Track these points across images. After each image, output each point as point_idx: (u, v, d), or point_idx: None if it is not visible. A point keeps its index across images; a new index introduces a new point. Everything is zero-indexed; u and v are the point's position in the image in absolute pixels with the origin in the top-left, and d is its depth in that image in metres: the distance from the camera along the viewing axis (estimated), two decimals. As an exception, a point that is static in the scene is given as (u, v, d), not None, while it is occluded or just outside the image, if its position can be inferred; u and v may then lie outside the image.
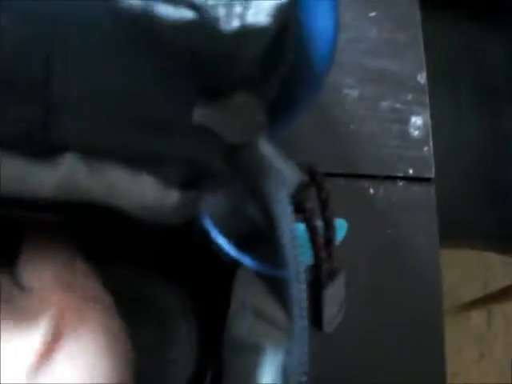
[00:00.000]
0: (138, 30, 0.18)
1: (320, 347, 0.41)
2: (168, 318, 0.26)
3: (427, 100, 0.48)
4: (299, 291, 0.19)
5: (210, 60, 0.19)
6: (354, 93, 0.46)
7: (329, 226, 0.23)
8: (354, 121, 0.46)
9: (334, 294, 0.25)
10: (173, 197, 0.20)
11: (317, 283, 0.23)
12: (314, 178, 0.23)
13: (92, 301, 0.22)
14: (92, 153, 0.20)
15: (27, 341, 0.20)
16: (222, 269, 0.24)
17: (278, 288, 0.21)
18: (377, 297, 0.45)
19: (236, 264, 0.23)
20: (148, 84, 0.19)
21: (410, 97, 0.48)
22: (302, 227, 0.22)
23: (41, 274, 0.23)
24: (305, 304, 0.19)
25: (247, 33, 0.18)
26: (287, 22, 0.20)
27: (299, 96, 0.22)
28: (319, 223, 0.23)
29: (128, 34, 0.18)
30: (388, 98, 0.47)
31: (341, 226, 0.41)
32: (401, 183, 0.46)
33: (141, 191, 0.20)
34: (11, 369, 0.19)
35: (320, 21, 0.25)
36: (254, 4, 0.19)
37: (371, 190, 0.46)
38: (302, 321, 0.19)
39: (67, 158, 0.20)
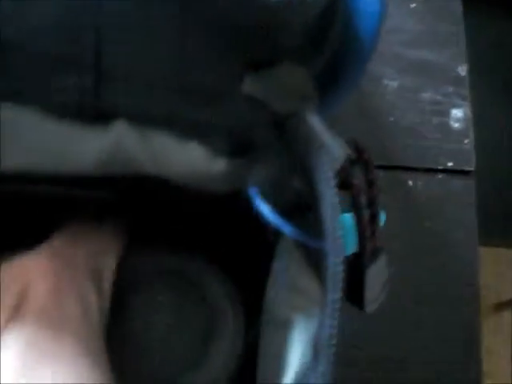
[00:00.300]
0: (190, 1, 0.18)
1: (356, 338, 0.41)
2: (216, 308, 0.26)
3: (468, 93, 0.47)
4: (335, 264, 0.19)
5: (260, 30, 0.18)
6: (394, 83, 0.46)
7: (373, 204, 0.23)
8: (394, 112, 0.45)
9: (377, 275, 0.24)
10: (220, 165, 0.20)
11: (360, 262, 0.23)
12: (361, 156, 0.22)
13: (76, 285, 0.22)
14: (141, 120, 0.20)
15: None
16: (265, 246, 0.24)
17: (315, 260, 0.21)
18: (412, 291, 0.45)
19: (277, 237, 0.23)
20: (197, 53, 0.19)
21: (450, 89, 0.47)
22: (348, 216, 0.22)
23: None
24: (340, 277, 0.19)
25: (297, 3, 0.18)
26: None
27: (347, 70, 0.22)
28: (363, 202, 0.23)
29: (179, 2, 0.18)
30: (428, 90, 0.47)
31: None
32: (440, 176, 0.46)
33: (188, 158, 0.20)
34: None
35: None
36: None
37: (410, 182, 0.45)
38: (335, 293, 0.19)
39: (116, 124, 0.20)
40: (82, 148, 0.20)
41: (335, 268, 0.18)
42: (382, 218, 0.40)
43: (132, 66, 0.19)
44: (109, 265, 0.24)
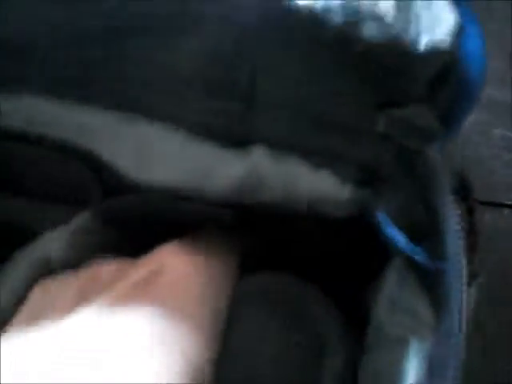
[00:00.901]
0: (339, 43, 0.20)
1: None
2: (320, 330, 0.27)
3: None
4: (458, 290, 0.21)
5: (395, 74, 0.21)
6: (469, 118, 0.48)
7: (474, 231, 0.25)
8: (467, 146, 0.47)
9: (470, 298, 0.26)
10: (346, 192, 0.23)
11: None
12: (465, 185, 0.25)
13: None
14: (278, 146, 0.22)
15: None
16: (369, 269, 0.26)
17: (429, 283, 0.23)
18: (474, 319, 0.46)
19: (386, 261, 0.25)
20: (337, 89, 0.21)
21: (521, 126, 0.48)
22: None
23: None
24: (462, 304, 0.21)
25: (430, 54, 0.20)
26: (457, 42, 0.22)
27: (458, 111, 0.24)
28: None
29: (325, 41, 0.20)
30: (499, 126, 0.48)
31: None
32: (506, 211, 0.47)
33: (318, 186, 0.22)
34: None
35: (471, 42, 0.27)
36: (437, 25, 0.21)
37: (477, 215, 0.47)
38: (454, 317, 0.21)
39: (255, 149, 0.22)
40: (224, 171, 0.23)
41: (458, 294, 0.20)
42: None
43: (282, 97, 0.21)
44: (227, 280, 0.26)
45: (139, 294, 0.22)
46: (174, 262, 0.24)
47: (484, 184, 0.47)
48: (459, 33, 0.22)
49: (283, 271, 0.29)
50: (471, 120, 0.48)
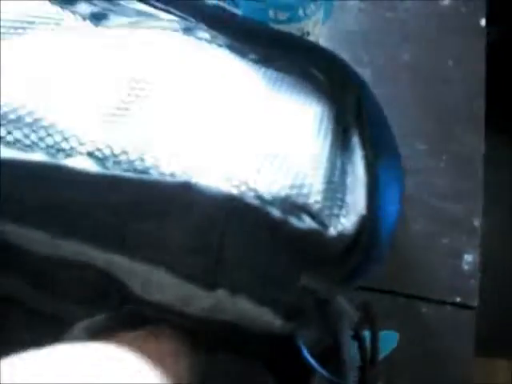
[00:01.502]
0: (274, 229, 0.31)
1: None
2: None
3: (478, 242, 0.59)
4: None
5: (314, 250, 0.32)
6: (418, 226, 0.59)
7: (375, 348, 0.36)
8: (417, 251, 0.58)
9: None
10: (278, 323, 0.33)
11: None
12: (368, 315, 0.35)
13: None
14: (235, 291, 0.33)
15: None
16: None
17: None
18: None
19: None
20: (275, 260, 0.32)
21: (464, 238, 0.59)
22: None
23: None
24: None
25: (339, 238, 0.32)
26: (365, 227, 0.33)
27: (366, 268, 0.35)
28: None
29: (268, 234, 0.32)
30: (446, 236, 0.59)
31: (392, 338, 0.53)
32: (449, 308, 0.58)
33: (260, 316, 0.33)
34: None
35: (388, 205, 0.38)
36: (346, 214, 0.33)
37: (424, 309, 0.57)
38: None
39: (221, 292, 0.33)
40: (198, 302, 0.34)
41: None
42: (395, 338, 0.53)
43: (236, 265, 0.32)
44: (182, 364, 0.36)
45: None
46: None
47: (432, 284, 0.58)
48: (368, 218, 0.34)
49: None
50: (420, 228, 0.59)
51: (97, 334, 0.36)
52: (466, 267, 0.59)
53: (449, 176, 0.62)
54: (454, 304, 0.58)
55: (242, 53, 0.41)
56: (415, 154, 0.63)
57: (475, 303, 0.58)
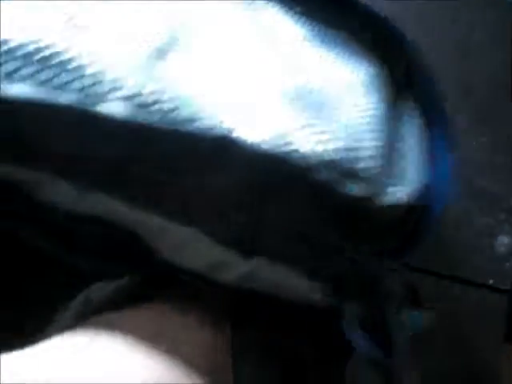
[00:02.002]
0: (322, 201, 0.29)
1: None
2: None
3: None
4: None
5: (363, 219, 0.29)
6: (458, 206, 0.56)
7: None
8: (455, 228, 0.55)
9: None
10: (318, 295, 0.31)
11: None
12: (415, 296, 0.33)
13: None
14: (275, 259, 0.30)
15: None
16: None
17: (384, 373, 0.31)
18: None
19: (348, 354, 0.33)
20: (319, 228, 0.30)
21: (501, 218, 0.56)
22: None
23: None
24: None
25: (392, 208, 0.29)
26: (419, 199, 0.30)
27: (415, 243, 0.32)
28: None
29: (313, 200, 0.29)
30: (482, 215, 0.56)
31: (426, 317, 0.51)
32: (480, 290, 0.55)
33: (299, 288, 0.31)
34: None
35: (441, 178, 0.35)
36: (399, 183, 0.30)
37: (454, 290, 0.55)
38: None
39: (259, 259, 0.31)
40: (232, 267, 0.31)
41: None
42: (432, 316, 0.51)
43: (281, 228, 0.30)
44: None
45: None
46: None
47: (467, 265, 0.55)
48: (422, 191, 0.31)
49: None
50: (460, 207, 0.56)
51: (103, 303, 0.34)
52: (501, 249, 0.56)
53: (488, 152, 0.59)
54: (485, 286, 0.55)
55: (288, 5, 0.38)
56: (454, 129, 0.59)
57: (508, 287, 0.55)
